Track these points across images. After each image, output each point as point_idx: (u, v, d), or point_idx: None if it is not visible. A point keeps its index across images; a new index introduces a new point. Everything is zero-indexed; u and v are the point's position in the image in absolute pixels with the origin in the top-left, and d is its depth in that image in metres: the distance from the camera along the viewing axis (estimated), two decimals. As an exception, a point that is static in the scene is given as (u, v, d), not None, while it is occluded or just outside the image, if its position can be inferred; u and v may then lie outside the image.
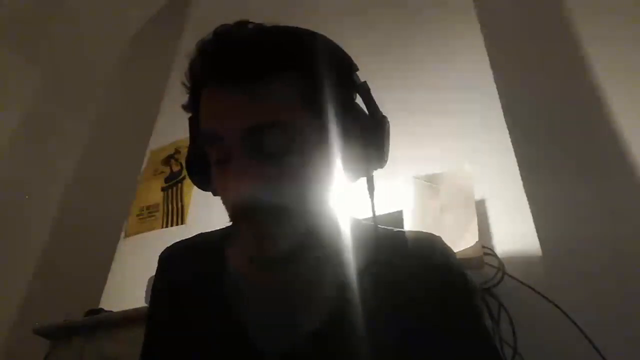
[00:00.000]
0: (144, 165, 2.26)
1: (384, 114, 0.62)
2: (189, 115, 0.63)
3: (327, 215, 0.61)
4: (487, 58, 1.68)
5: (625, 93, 1.66)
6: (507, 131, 1.50)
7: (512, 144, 1.47)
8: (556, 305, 1.16)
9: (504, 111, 1.54)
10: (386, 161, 0.61)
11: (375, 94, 0.62)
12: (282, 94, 0.54)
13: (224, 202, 0.59)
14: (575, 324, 1.15)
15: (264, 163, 0.54)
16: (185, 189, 2.04)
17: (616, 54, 1.74)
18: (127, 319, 1.50)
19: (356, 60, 0.62)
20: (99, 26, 3.09)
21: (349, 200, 0.63)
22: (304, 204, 0.56)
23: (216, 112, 0.55)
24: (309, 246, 0.59)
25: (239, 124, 0.53)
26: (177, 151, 2.16)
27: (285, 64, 0.55)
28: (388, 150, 0.61)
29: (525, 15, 2.01)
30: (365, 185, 0.62)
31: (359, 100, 0.62)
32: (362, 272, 0.61)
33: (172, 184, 2.10)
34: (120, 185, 2.40)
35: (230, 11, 1.94)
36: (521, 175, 1.41)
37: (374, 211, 0.62)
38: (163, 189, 2.11)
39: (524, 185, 1.39)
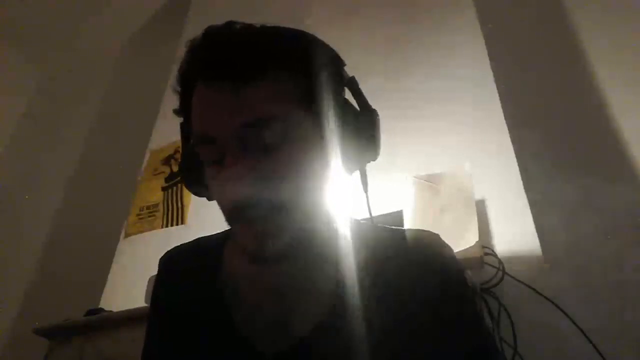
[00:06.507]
0: (144, 165, 2.26)
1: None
2: (181, 120, 0.62)
3: (323, 212, 0.60)
4: (487, 58, 1.68)
5: (627, 92, 1.66)
6: (507, 131, 1.50)
7: (512, 144, 1.47)
8: (556, 305, 1.16)
9: (504, 111, 1.54)
10: (379, 154, 0.61)
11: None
12: (272, 91, 0.54)
13: (219, 203, 0.59)
14: (575, 323, 1.15)
15: (257, 159, 0.54)
16: (185, 189, 2.03)
17: (618, 53, 1.74)
18: (127, 319, 1.50)
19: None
20: (98, 26, 3.09)
21: (346, 200, 0.63)
22: (299, 199, 0.56)
23: (207, 112, 0.55)
24: (305, 243, 0.59)
25: (230, 122, 0.53)
26: (177, 151, 2.16)
27: (274, 62, 0.55)
28: (380, 143, 0.61)
29: (525, 15, 2.01)
30: (360, 180, 0.62)
31: (348, 95, 0.62)
32: (359, 270, 0.61)
33: (172, 184, 2.10)
34: (120, 185, 2.40)
35: (230, 11, 1.94)
36: (521, 175, 1.41)
37: (369, 205, 0.62)
38: (163, 189, 2.11)
39: (524, 185, 1.39)
